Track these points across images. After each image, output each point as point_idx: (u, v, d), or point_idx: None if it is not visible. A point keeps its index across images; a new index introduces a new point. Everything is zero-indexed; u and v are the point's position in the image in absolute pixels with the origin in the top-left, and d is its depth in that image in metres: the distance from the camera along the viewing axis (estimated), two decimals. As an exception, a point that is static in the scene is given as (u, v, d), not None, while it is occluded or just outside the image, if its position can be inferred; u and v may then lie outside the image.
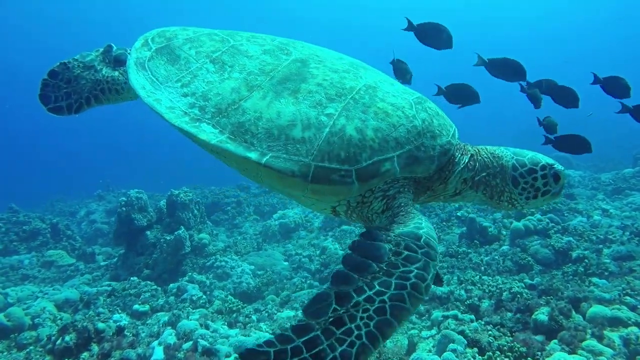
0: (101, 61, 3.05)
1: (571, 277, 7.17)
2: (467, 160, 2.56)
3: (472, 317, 5.92)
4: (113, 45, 3.08)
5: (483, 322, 5.89)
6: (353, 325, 1.66)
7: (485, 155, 2.62)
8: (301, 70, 2.45)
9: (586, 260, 7.48)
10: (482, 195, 2.63)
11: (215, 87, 2.41)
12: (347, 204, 2.41)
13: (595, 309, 5.27)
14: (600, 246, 8.21)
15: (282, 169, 2.18)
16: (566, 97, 6.32)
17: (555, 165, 2.55)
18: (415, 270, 1.85)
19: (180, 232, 10.26)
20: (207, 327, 5.76)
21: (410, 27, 5.89)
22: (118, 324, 6.20)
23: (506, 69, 5.93)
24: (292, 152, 2.20)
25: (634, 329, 4.77)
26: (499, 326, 5.74)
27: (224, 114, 2.31)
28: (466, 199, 2.71)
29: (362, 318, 1.68)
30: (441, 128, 2.44)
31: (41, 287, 9.82)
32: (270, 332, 6.08)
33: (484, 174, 2.58)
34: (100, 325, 5.97)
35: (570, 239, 8.41)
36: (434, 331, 5.74)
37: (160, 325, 6.33)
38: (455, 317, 5.83)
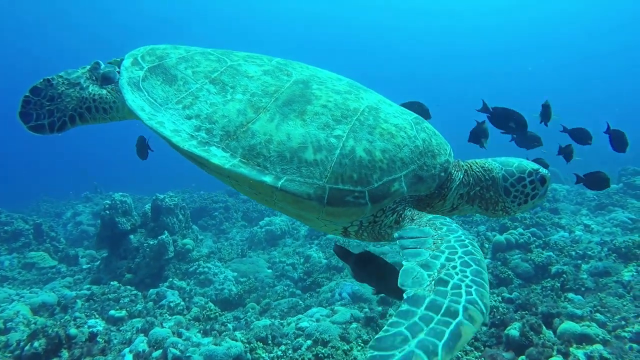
0: (87, 78, 2.92)
1: (549, 291, 7.20)
2: (461, 176, 2.66)
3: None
4: (101, 62, 2.97)
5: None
6: (455, 279, 1.76)
7: (477, 170, 2.72)
8: (304, 91, 2.46)
9: (564, 276, 7.52)
10: (478, 207, 2.76)
11: (219, 108, 2.37)
12: (359, 224, 2.43)
13: (566, 325, 5.29)
14: (579, 262, 8.26)
15: (298, 193, 2.19)
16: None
17: (540, 170, 2.69)
18: (461, 234, 2.07)
19: (164, 237, 10.22)
20: (179, 335, 5.72)
21: (485, 109, 5.91)
22: (91, 329, 6.15)
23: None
24: (306, 175, 2.21)
25: (599, 346, 4.80)
26: (472, 340, 5.76)
27: (233, 136, 2.29)
28: (462, 212, 2.79)
29: (460, 272, 1.80)
30: (439, 147, 2.53)
31: (18, 290, 9.69)
32: (245, 340, 6.04)
33: (478, 188, 2.70)
34: (73, 331, 5.92)
35: (551, 253, 8.44)
36: (405, 345, 5.72)
37: (134, 332, 6.28)
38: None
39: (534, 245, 8.93)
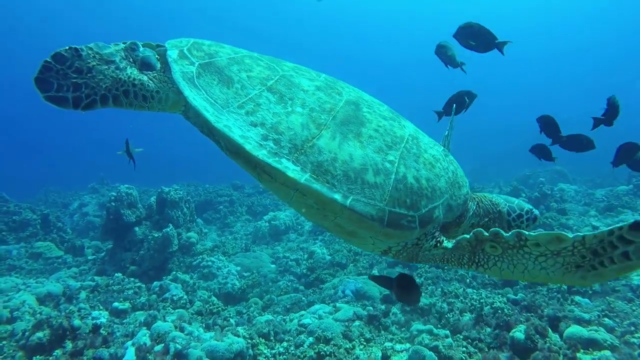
0: (123, 58, 2.66)
1: (555, 293, 7.12)
2: (474, 208, 2.96)
3: (447, 332, 5.86)
4: (139, 43, 2.74)
5: (462, 337, 5.85)
6: None
7: (487, 203, 3.05)
8: (357, 113, 2.55)
9: (571, 278, 7.44)
10: None
11: (283, 120, 2.39)
12: (404, 245, 2.59)
13: (573, 329, 5.22)
14: (587, 264, 8.16)
15: (363, 213, 2.31)
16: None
17: (533, 210, 3.10)
18: None
19: (169, 229, 10.22)
20: (181, 330, 5.69)
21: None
22: (95, 321, 6.15)
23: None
24: (369, 197, 2.34)
25: (607, 352, 4.72)
26: (476, 341, 5.70)
27: (301, 151, 2.33)
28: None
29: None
30: (463, 179, 2.82)
31: (25, 280, 9.74)
32: (248, 336, 6.02)
33: (486, 219, 3.00)
34: (77, 322, 5.93)
35: (557, 255, 8.35)
36: (408, 344, 5.68)
37: (137, 325, 6.27)
38: (430, 332, 5.78)
39: (540, 246, 8.83)
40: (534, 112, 6.84)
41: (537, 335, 4.99)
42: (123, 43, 2.72)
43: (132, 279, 9.02)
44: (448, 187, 2.63)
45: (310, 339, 6.13)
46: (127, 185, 11.28)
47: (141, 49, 2.73)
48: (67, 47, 2.50)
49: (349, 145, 2.39)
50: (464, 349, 5.31)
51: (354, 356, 5.33)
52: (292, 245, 12.22)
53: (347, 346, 5.64)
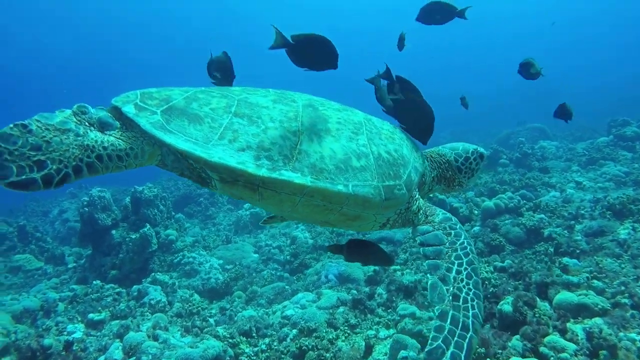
0: (78, 123, 2.43)
1: (542, 256, 6.94)
2: (429, 164, 3.33)
3: (432, 315, 5.64)
4: (87, 105, 2.53)
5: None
6: (463, 293, 2.53)
7: (436, 157, 3.42)
8: (317, 113, 2.74)
9: (557, 238, 7.25)
10: (444, 186, 3.48)
11: (263, 137, 2.50)
12: (399, 212, 2.93)
13: (562, 295, 5.00)
14: (572, 222, 7.99)
15: (366, 194, 2.58)
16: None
17: (478, 149, 3.48)
18: (464, 239, 2.81)
19: (146, 229, 9.91)
20: (155, 338, 5.42)
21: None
22: (68, 337, 5.87)
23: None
24: (363, 179, 2.60)
25: (598, 320, 4.50)
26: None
27: (293, 159, 2.49)
28: (432, 192, 3.51)
29: (465, 286, 2.56)
30: (414, 143, 3.21)
31: (1, 297, 9.41)
32: (228, 335, 5.77)
33: (440, 170, 3.40)
34: (47, 341, 5.64)
35: (542, 216, 8.17)
36: (392, 331, 5.46)
37: (111, 337, 5.99)
38: (412, 316, 5.55)
39: (524, 209, 8.65)
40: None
41: (526, 307, 4.77)
42: (69, 109, 2.47)
43: (111, 285, 8.73)
44: (411, 152, 2.98)
45: (294, 331, 5.91)
46: (98, 189, 10.88)
47: (92, 110, 2.54)
48: (11, 125, 2.20)
49: (326, 141, 2.61)
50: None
51: (336, 348, 5.09)
52: (274, 231, 11.97)
53: (331, 336, 5.41)
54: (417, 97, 3.17)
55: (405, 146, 2.96)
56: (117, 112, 2.54)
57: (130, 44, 62.57)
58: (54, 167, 2.24)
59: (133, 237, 9.89)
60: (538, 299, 5.08)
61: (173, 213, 12.09)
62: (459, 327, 2.37)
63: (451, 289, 2.53)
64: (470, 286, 2.54)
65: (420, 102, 3.17)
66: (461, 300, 2.48)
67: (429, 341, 2.35)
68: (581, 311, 4.80)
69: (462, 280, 2.57)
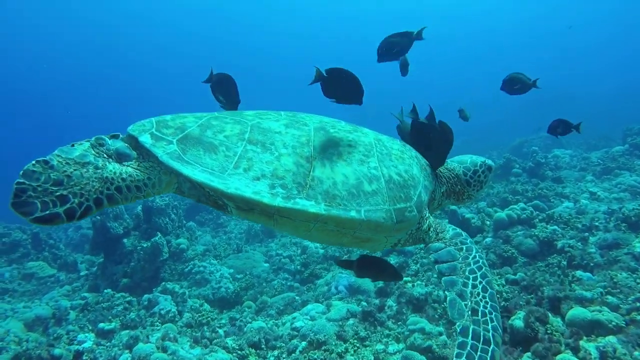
0: (96, 156, 2.52)
1: (555, 268, 6.83)
2: (436, 180, 3.28)
3: (442, 329, 5.58)
4: (104, 137, 2.63)
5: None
6: (481, 307, 2.55)
7: (445, 171, 3.41)
8: (328, 136, 2.78)
9: (571, 251, 7.14)
10: (453, 200, 3.51)
11: (277, 165, 2.54)
12: (410, 233, 2.95)
13: (575, 311, 4.91)
14: (586, 234, 7.86)
15: (378, 219, 2.59)
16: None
17: (486, 161, 3.50)
18: (475, 253, 2.82)
19: (157, 238, 9.95)
20: (164, 350, 5.43)
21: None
22: (78, 347, 5.89)
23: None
24: (374, 204, 2.62)
25: (612, 338, 4.40)
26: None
27: (306, 186, 2.52)
28: (441, 206, 3.51)
29: (482, 299, 2.58)
30: (424, 160, 3.17)
31: (13, 305, 9.51)
32: (237, 347, 5.76)
33: (449, 185, 3.41)
34: (57, 351, 5.68)
35: (555, 227, 8.05)
36: (401, 345, 5.41)
37: (120, 347, 6.00)
38: (422, 331, 5.49)
39: (537, 220, 8.54)
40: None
41: (537, 323, 4.70)
42: (87, 141, 2.58)
43: (122, 294, 8.76)
44: (420, 171, 2.98)
45: (303, 343, 5.88)
46: (111, 197, 10.95)
47: (109, 141, 2.62)
48: (34, 162, 2.30)
49: (339, 166, 2.64)
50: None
51: (345, 362, 5.06)
52: (285, 240, 11.96)
53: (340, 350, 5.38)
54: (440, 126, 3.15)
55: (415, 165, 2.97)
56: (133, 140, 2.59)
57: (129, 49, 63.16)
58: (76, 200, 2.32)
59: (144, 245, 9.94)
60: (550, 314, 4.99)
61: (184, 221, 12.14)
62: (481, 342, 2.41)
63: (469, 303, 2.56)
64: (487, 299, 2.58)
65: (441, 129, 3.13)
66: (480, 314, 2.51)
67: (454, 358, 2.40)
68: (595, 328, 4.70)
69: (478, 294, 2.60)
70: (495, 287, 2.73)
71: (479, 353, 2.37)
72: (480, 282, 2.65)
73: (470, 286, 2.64)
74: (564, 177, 12.39)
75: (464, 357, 2.36)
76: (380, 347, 5.42)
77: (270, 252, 11.16)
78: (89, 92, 61.49)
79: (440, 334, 5.42)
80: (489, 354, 2.38)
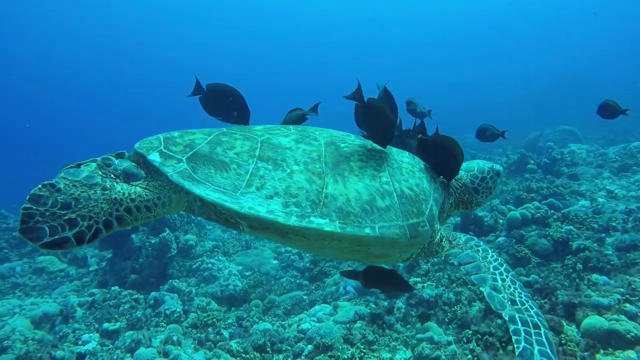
0: (104, 177, 2.44)
1: (570, 270, 6.61)
2: (446, 190, 3.26)
3: (450, 339, 5.40)
4: (111, 156, 2.57)
5: (471, 332, 5.41)
6: (517, 297, 2.57)
7: (453, 182, 3.34)
8: (339, 151, 2.75)
9: (587, 252, 6.91)
10: (462, 209, 3.48)
11: (290, 182, 2.49)
12: (423, 246, 2.93)
13: (591, 320, 4.71)
14: (603, 235, 7.61)
15: (392, 236, 2.56)
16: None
17: (494, 166, 3.46)
18: (492, 253, 2.84)
19: (165, 234, 9.90)
20: (166, 355, 5.34)
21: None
22: (80, 349, 5.82)
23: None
24: (388, 220, 2.58)
25: (632, 354, 4.21)
26: (487, 336, 5.25)
27: (320, 204, 2.47)
28: (450, 216, 3.47)
29: (515, 290, 2.61)
30: (432, 171, 3.12)
31: (22, 301, 9.52)
32: (242, 350, 5.65)
33: (457, 194, 3.37)
34: (59, 353, 5.63)
35: (571, 227, 7.81)
36: (409, 353, 5.25)
37: (123, 350, 5.92)
38: (430, 340, 5.31)
39: (552, 219, 8.30)
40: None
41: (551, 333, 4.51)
42: (92, 161, 2.49)
43: (129, 291, 8.74)
44: (430, 184, 2.94)
45: (309, 347, 5.76)
46: (119, 192, 10.91)
47: (116, 161, 2.54)
48: (40, 186, 2.20)
49: (351, 182, 2.59)
50: (470, 355, 4.85)
51: (352, 369, 4.92)
52: (294, 237, 11.83)
53: (346, 356, 5.23)
54: (445, 141, 3.00)
55: (425, 178, 2.94)
56: (141, 158, 2.53)
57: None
58: (85, 223, 2.23)
59: (152, 241, 9.91)
60: (565, 322, 4.80)
61: (193, 217, 12.08)
62: (531, 327, 2.43)
63: (506, 295, 2.60)
64: (519, 290, 2.63)
65: (450, 145, 2.99)
66: (518, 303, 2.56)
67: (514, 345, 2.40)
68: (612, 338, 4.50)
69: (509, 287, 2.64)
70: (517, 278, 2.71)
71: (534, 337, 2.39)
72: (507, 276, 2.69)
73: (499, 280, 2.68)
74: (580, 173, 12.07)
75: (522, 342, 2.36)
76: (387, 355, 5.27)
77: (280, 249, 11.05)
78: (80, 107, 62.38)
79: (449, 343, 5.24)
80: (543, 337, 2.39)
